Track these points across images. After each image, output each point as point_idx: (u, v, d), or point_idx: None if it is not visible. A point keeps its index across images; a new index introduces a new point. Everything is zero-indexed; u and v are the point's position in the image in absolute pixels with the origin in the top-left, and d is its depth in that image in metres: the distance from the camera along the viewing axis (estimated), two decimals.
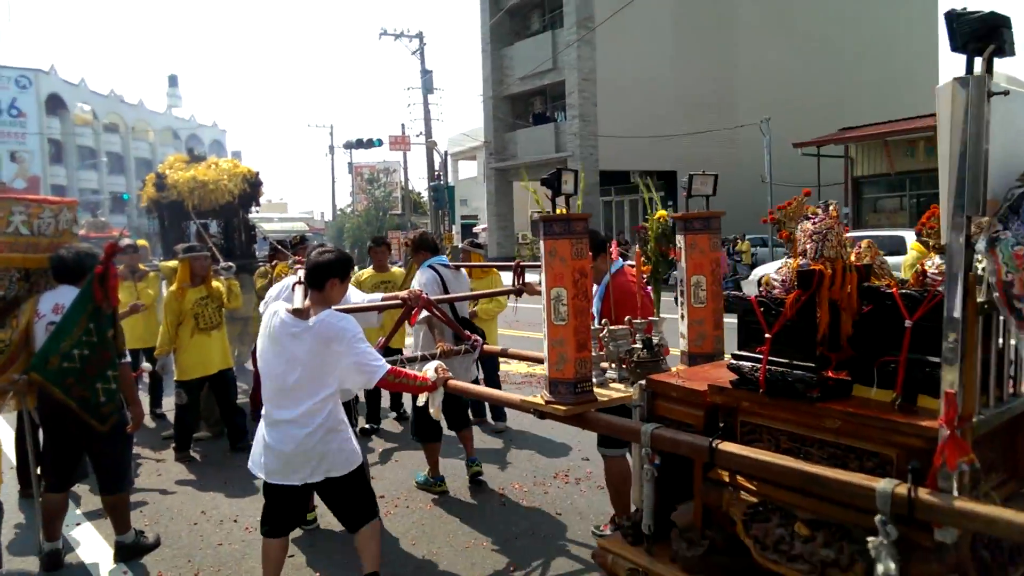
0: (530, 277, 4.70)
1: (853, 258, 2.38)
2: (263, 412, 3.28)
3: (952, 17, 1.82)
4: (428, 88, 29.94)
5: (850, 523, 2.01)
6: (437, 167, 30.15)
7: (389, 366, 3.21)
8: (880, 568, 1.83)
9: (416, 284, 4.71)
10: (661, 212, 3.33)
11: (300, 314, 3.16)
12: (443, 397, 3.39)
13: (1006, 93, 1.75)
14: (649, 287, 3.53)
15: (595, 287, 3.81)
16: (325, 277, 3.21)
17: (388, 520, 4.49)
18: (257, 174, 8.77)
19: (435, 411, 3.41)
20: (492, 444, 6.02)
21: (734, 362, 2.37)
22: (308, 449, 3.13)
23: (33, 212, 4.39)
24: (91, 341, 3.78)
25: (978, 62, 1.83)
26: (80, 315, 3.77)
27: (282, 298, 3.89)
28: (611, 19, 22.11)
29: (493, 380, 6.39)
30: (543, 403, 2.83)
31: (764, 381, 2.23)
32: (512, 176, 29.58)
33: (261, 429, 3.27)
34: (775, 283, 2.35)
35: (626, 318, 3.33)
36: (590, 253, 2.84)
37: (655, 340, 3.19)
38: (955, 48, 1.82)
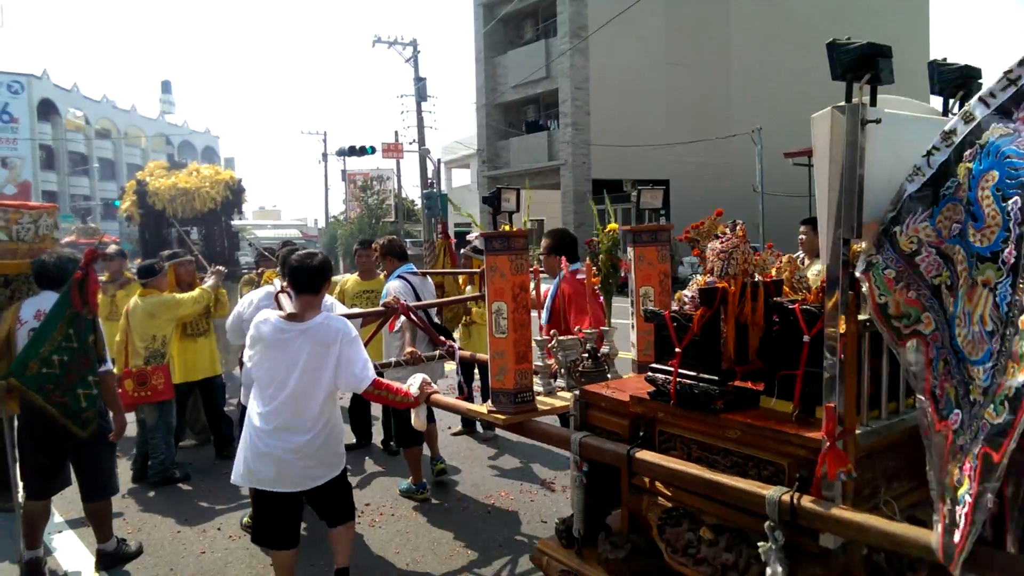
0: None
1: (774, 272, 2.50)
2: (254, 421, 3.20)
3: (832, 47, 1.86)
4: (422, 96, 29.96)
5: (748, 528, 2.11)
6: (430, 175, 30.16)
7: (375, 376, 3.24)
8: (769, 571, 1.93)
9: (389, 292, 4.80)
10: (612, 225, 3.43)
11: (294, 318, 3.20)
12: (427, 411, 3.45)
13: (878, 121, 1.78)
14: (601, 298, 3.59)
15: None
16: (321, 280, 3.27)
17: (373, 529, 4.46)
18: (239, 181, 8.72)
19: (418, 423, 3.46)
20: (481, 453, 6.00)
21: (651, 374, 2.47)
22: (309, 454, 3.14)
23: (11, 218, 4.36)
24: (71, 347, 3.74)
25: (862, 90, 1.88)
26: (59, 321, 3.74)
27: (264, 306, 3.94)
28: (604, 28, 22.22)
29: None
30: (486, 412, 3.00)
31: (674, 393, 2.33)
32: (504, 184, 29.57)
33: (251, 440, 3.18)
34: (686, 299, 2.40)
35: (576, 328, 3.41)
36: (532, 268, 3.01)
37: (605, 350, 3.29)
38: (835, 76, 1.87)
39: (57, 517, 4.56)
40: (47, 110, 48.90)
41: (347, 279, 6.27)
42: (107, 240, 10.29)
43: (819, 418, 2.00)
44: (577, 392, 2.87)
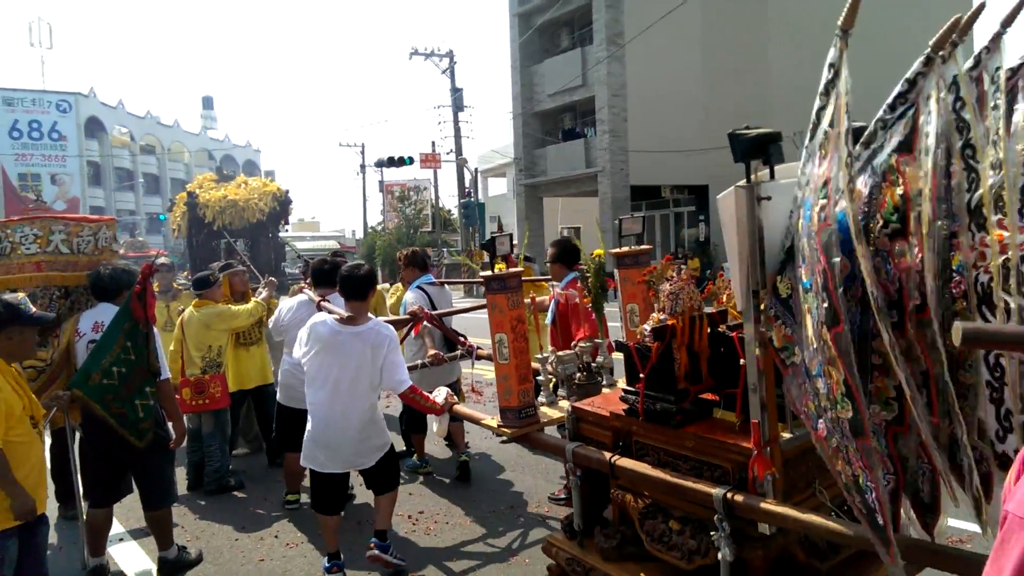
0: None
1: (725, 299, 2.98)
2: (311, 413, 3.76)
3: (732, 137, 2.28)
4: (458, 106, 30.15)
5: (707, 519, 2.48)
6: (468, 184, 30.28)
7: (411, 382, 3.76)
8: (720, 554, 2.36)
9: (407, 304, 5.28)
10: (598, 251, 3.83)
11: (351, 321, 3.71)
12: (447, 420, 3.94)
13: (769, 198, 2.19)
14: (593, 315, 3.99)
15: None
16: (368, 288, 3.80)
17: (430, 536, 4.44)
18: (287, 192, 8.82)
19: (440, 430, 3.94)
20: (531, 460, 5.95)
21: (624, 394, 2.92)
22: (359, 441, 3.73)
23: (72, 230, 4.44)
24: (129, 359, 3.80)
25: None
26: (118, 333, 3.80)
27: (299, 315, 4.67)
28: (641, 35, 22.11)
29: None
30: (496, 426, 3.39)
31: (642, 411, 2.77)
32: (542, 192, 29.60)
33: (311, 429, 3.76)
34: (646, 333, 2.79)
35: (572, 343, 3.83)
36: (527, 300, 3.51)
37: (599, 361, 3.70)
38: (736, 160, 2.28)
39: (117, 527, 4.62)
40: (94, 127, 50.32)
41: (397, 289, 6.33)
42: (159, 253, 10.50)
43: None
44: (569, 408, 3.25)
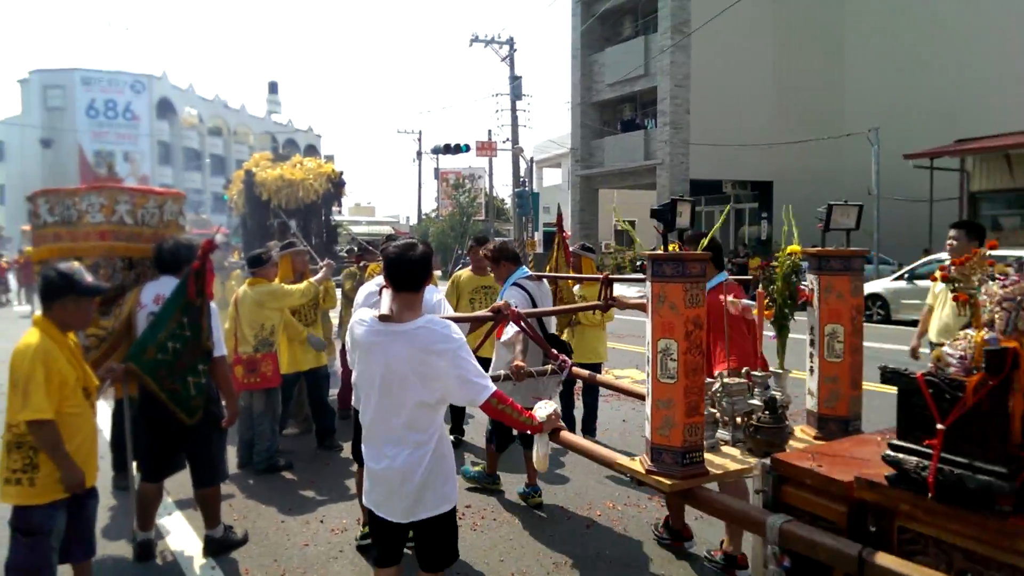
0: (619, 289, 4.54)
1: None
2: (363, 438, 2.90)
3: None
4: (516, 94, 29.96)
5: None
6: (523, 174, 30.13)
7: (495, 388, 2.75)
8: None
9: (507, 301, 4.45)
10: (794, 247, 2.95)
11: (390, 319, 2.72)
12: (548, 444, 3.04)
13: None
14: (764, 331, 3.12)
15: None
16: (423, 276, 2.77)
17: (476, 533, 4.32)
18: (341, 174, 8.77)
19: (539, 460, 3.06)
20: (583, 459, 5.76)
21: (892, 453, 1.94)
22: (412, 474, 2.69)
23: (138, 202, 4.44)
24: (184, 335, 3.77)
25: None
26: (174, 308, 3.78)
27: (369, 303, 3.66)
28: (708, 25, 21.52)
29: (593, 398, 6.21)
30: (643, 472, 2.53)
31: (934, 483, 1.81)
32: (597, 184, 29.25)
33: (365, 457, 2.89)
34: (950, 359, 1.86)
35: (744, 370, 2.97)
36: (706, 296, 2.50)
37: (779, 398, 2.79)
38: None
39: (167, 498, 4.63)
40: (165, 108, 51.86)
41: (460, 274, 6.25)
42: (218, 230, 10.62)
43: None
44: (767, 461, 2.32)
